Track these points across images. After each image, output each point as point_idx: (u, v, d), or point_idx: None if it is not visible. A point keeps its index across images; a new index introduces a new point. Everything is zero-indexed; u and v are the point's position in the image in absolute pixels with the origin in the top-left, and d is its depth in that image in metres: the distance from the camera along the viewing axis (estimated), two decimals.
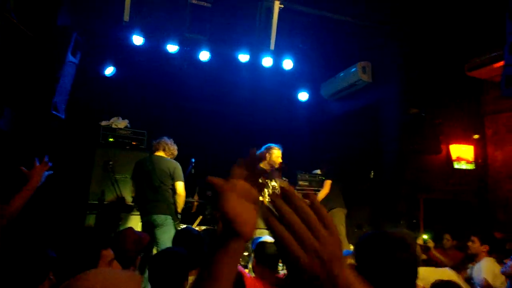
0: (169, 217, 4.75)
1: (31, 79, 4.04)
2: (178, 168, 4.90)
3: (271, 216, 0.67)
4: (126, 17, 3.25)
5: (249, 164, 0.93)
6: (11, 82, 3.94)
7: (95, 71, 6.53)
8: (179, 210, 4.96)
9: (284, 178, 6.41)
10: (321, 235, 0.65)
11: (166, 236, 4.55)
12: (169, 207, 4.79)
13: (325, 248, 0.64)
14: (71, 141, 5.93)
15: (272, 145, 5.47)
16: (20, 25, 3.68)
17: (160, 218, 4.67)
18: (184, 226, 5.08)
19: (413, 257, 1.36)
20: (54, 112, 4.19)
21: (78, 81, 5.40)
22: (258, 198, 0.92)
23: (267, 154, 5.39)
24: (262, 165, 5.33)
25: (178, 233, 3.35)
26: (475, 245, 4.58)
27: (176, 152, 5.11)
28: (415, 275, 1.36)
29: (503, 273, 3.52)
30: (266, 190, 5.33)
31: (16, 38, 3.79)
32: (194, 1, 3.37)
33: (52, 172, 2.69)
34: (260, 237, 3.34)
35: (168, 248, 3.16)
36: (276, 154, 5.42)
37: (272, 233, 0.66)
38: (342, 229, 6.14)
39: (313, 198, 0.69)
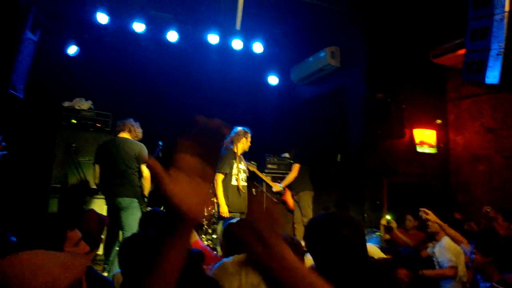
0: (135, 200, 4.67)
1: None
2: (144, 150, 4.79)
3: None
4: None
5: (201, 135, 0.83)
6: None
7: (58, 50, 6.27)
8: (146, 193, 4.88)
9: (253, 162, 6.43)
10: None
11: (131, 218, 4.47)
12: (135, 190, 4.70)
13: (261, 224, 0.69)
14: (32, 122, 5.70)
15: (246, 129, 5.42)
16: None
17: (125, 201, 4.58)
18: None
19: (358, 235, 1.39)
20: (12, 91, 3.99)
21: (39, 60, 5.17)
22: (211, 174, 0.84)
23: (244, 139, 5.35)
24: (235, 149, 5.30)
25: (145, 215, 3.28)
26: (435, 224, 4.75)
27: (141, 135, 4.99)
28: (362, 252, 1.38)
29: (471, 267, 3.62)
30: (239, 174, 5.32)
31: None
32: None
33: (6, 152, 2.57)
34: (231, 219, 3.35)
35: (138, 232, 3.14)
36: (249, 139, 5.41)
37: None
38: (309, 212, 6.24)
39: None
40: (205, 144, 0.82)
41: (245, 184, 5.40)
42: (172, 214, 0.79)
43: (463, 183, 6.56)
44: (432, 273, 4.37)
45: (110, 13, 5.62)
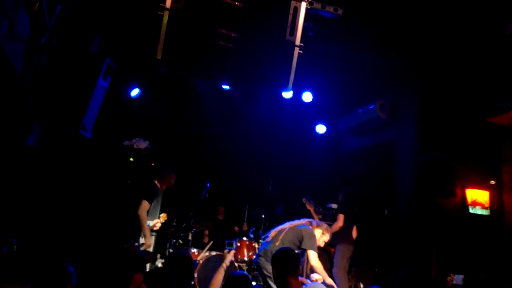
0: None
1: (62, 100, 4.27)
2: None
3: None
4: (159, 55, 3.46)
5: None
6: (43, 101, 4.18)
7: (122, 92, 6.79)
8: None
9: (311, 202, 6.47)
10: None
11: None
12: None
13: None
14: (94, 159, 6.12)
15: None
16: (59, 51, 3.95)
17: None
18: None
19: None
20: (82, 132, 4.38)
21: (105, 101, 5.63)
22: None
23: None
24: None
25: (171, 256, 3.34)
26: None
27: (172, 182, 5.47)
28: None
29: None
30: None
31: (53, 62, 4.05)
32: (222, 43, 3.59)
33: None
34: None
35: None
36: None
37: None
38: (341, 263, 6.07)
39: None
40: None
41: None
42: None
43: None
44: None
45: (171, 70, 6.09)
